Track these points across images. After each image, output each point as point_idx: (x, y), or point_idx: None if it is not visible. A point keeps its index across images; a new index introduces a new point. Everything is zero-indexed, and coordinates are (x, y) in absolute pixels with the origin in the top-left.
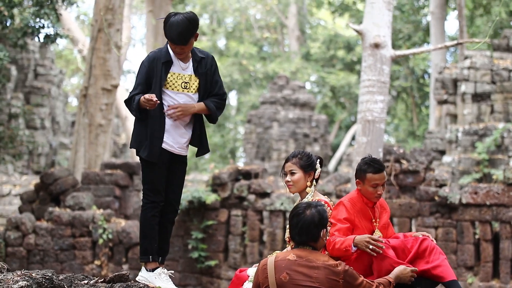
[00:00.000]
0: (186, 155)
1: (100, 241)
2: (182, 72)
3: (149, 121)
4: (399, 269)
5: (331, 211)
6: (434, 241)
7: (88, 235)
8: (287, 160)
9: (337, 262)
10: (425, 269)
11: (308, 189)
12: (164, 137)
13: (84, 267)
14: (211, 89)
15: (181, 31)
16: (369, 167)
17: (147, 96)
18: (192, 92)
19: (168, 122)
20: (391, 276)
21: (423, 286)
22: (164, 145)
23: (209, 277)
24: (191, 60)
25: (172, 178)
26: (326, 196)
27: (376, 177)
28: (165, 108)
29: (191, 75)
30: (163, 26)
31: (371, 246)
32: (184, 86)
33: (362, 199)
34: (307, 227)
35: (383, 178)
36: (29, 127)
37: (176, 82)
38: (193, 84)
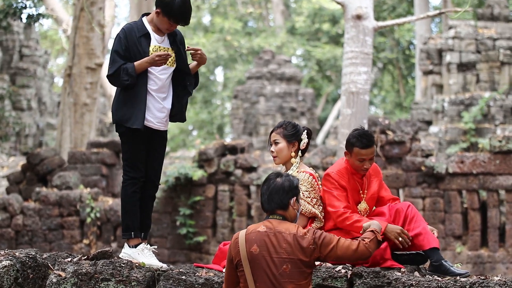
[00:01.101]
0: (166, 130)
1: (88, 220)
2: (160, 45)
3: (131, 93)
4: (387, 226)
5: (315, 183)
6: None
7: (76, 214)
8: (272, 131)
9: (305, 230)
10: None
11: (293, 160)
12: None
13: (73, 246)
14: (184, 63)
15: (189, 12)
16: (357, 141)
17: (160, 52)
18: (169, 64)
19: (147, 97)
20: (376, 227)
21: (408, 260)
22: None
23: (198, 253)
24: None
25: (152, 153)
26: (311, 168)
27: (363, 152)
28: (149, 82)
29: (168, 48)
30: (163, 4)
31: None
32: None
33: (350, 169)
34: (275, 192)
35: (370, 153)
36: (16, 109)
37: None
38: (171, 56)
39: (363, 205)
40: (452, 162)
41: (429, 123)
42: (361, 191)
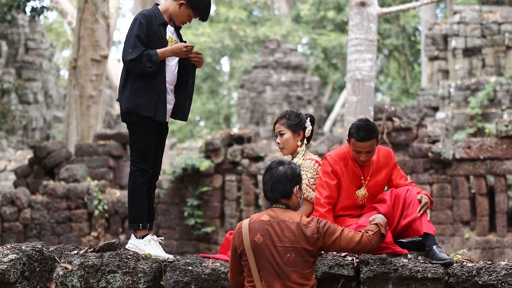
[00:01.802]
0: (168, 121)
1: (96, 212)
2: (172, 37)
3: (150, 82)
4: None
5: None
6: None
7: (84, 207)
8: (276, 122)
9: (309, 219)
10: (404, 225)
11: (299, 149)
12: None
13: (81, 239)
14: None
15: (210, 8)
16: (355, 132)
17: (187, 44)
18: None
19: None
20: (380, 220)
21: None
22: None
23: (207, 243)
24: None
25: (157, 144)
26: (317, 156)
27: (358, 144)
28: (167, 73)
29: (176, 41)
30: None
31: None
32: None
33: (351, 155)
34: (279, 181)
35: (366, 147)
36: (22, 102)
37: (170, 45)
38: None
39: (362, 191)
40: (459, 147)
41: (435, 109)
42: (362, 177)
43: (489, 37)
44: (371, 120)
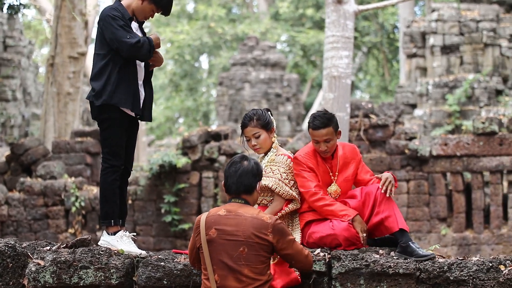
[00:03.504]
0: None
1: (73, 209)
2: (136, 32)
3: (127, 76)
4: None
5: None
6: (387, 182)
7: (61, 203)
8: (244, 126)
9: (267, 215)
10: (375, 222)
11: (273, 145)
12: None
13: (58, 236)
14: None
15: (172, 3)
16: (311, 122)
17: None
18: None
19: None
20: None
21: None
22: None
23: (184, 240)
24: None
25: (128, 141)
26: (289, 151)
27: (315, 133)
28: (138, 66)
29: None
30: None
31: (364, 235)
32: None
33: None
34: (245, 175)
35: (322, 135)
36: (0, 99)
37: None
38: None
39: (333, 187)
40: (436, 144)
41: (413, 106)
42: (331, 173)
43: (467, 34)
44: (348, 116)
